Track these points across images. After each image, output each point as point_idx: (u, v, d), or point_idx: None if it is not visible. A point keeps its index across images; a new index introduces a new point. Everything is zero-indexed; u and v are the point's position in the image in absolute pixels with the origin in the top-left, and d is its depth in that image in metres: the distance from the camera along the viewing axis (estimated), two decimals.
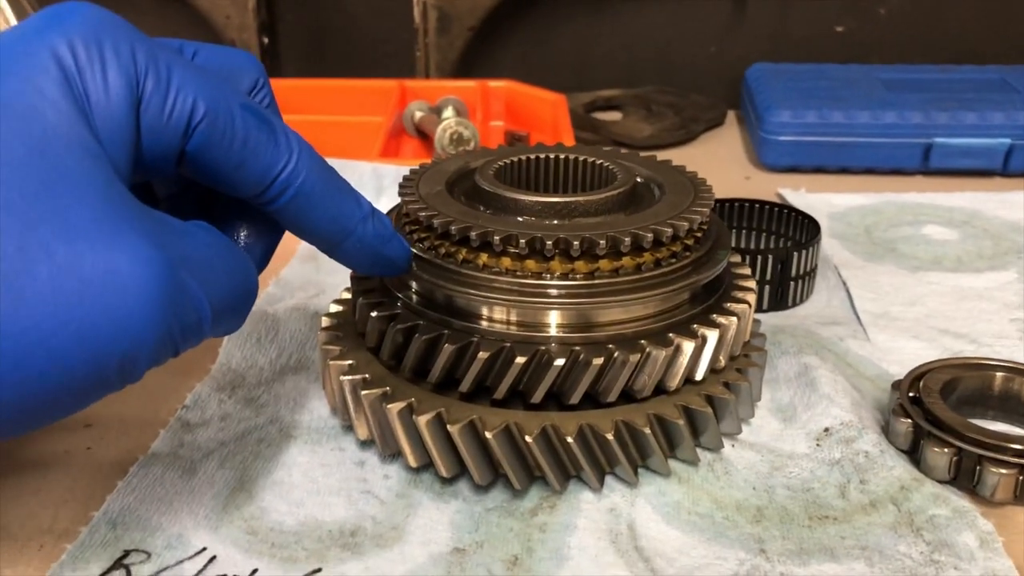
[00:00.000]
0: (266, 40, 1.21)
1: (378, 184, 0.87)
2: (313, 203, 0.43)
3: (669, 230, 0.51)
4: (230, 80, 0.44)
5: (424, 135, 1.04)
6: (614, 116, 1.18)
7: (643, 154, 0.64)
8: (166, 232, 0.36)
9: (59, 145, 0.34)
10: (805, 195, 0.93)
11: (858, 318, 0.70)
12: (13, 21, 0.71)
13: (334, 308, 0.60)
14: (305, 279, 0.75)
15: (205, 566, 0.46)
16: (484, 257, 0.51)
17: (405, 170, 0.60)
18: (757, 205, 0.79)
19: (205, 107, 0.38)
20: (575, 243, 0.49)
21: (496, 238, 0.50)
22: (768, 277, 0.71)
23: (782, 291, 0.71)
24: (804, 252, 0.71)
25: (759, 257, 0.70)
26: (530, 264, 0.50)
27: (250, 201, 0.42)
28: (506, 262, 0.51)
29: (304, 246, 0.80)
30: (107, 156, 0.36)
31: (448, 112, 1.05)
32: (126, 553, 0.47)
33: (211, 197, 0.47)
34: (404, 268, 0.51)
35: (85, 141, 0.35)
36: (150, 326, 0.34)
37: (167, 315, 0.35)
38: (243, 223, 0.47)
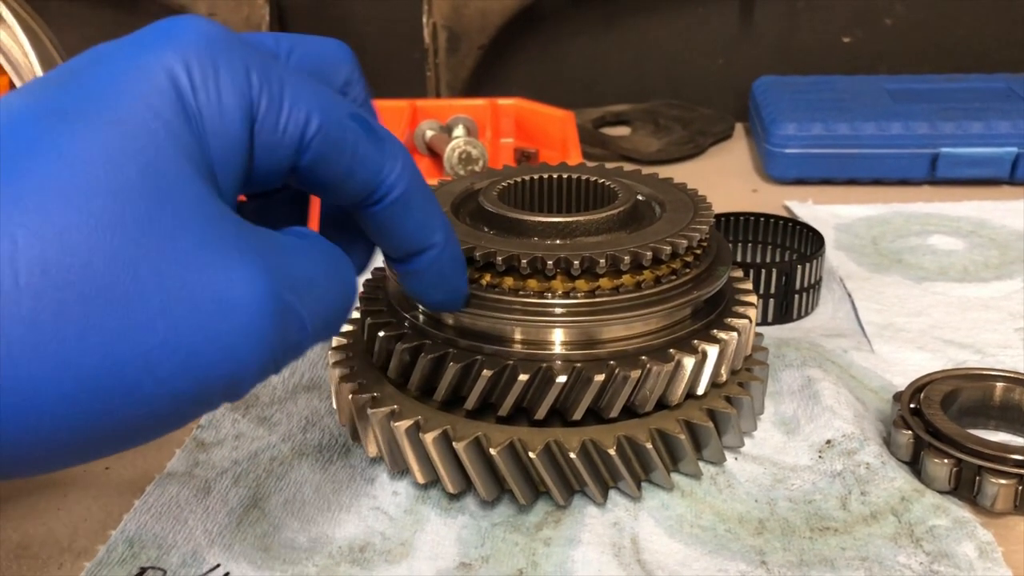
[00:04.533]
0: None
1: None
2: (407, 211, 0.42)
3: (668, 248, 0.52)
4: (326, 76, 0.43)
5: (435, 154, 1.06)
6: (623, 131, 1.19)
7: (648, 170, 0.65)
8: (272, 253, 0.36)
9: (171, 167, 0.33)
10: (812, 207, 0.94)
11: (863, 330, 0.71)
12: (23, 39, 0.72)
13: (344, 328, 0.61)
14: None
15: None
16: (488, 277, 0.52)
17: None
18: (762, 219, 0.79)
19: (319, 122, 0.37)
20: (575, 262, 0.50)
21: (499, 258, 0.51)
22: (772, 290, 0.71)
23: (787, 304, 0.72)
24: (808, 265, 0.72)
25: (763, 270, 0.71)
26: (532, 283, 0.52)
27: (349, 209, 0.42)
28: (509, 282, 0.52)
29: None
30: (217, 176, 0.35)
31: (458, 131, 1.07)
32: (143, 571, 0.48)
33: (301, 195, 0.47)
34: (461, 304, 0.50)
35: (197, 162, 0.34)
36: (255, 351, 0.34)
37: (272, 339, 0.34)
38: (344, 232, 0.46)
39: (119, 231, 0.31)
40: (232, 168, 0.36)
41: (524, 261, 0.51)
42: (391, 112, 1.10)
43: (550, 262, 0.51)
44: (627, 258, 0.51)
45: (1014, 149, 0.97)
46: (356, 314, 0.61)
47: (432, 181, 0.64)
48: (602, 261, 0.51)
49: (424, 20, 1.17)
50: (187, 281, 0.32)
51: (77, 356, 0.30)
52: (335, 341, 0.60)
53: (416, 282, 0.47)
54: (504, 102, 1.13)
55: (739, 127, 1.20)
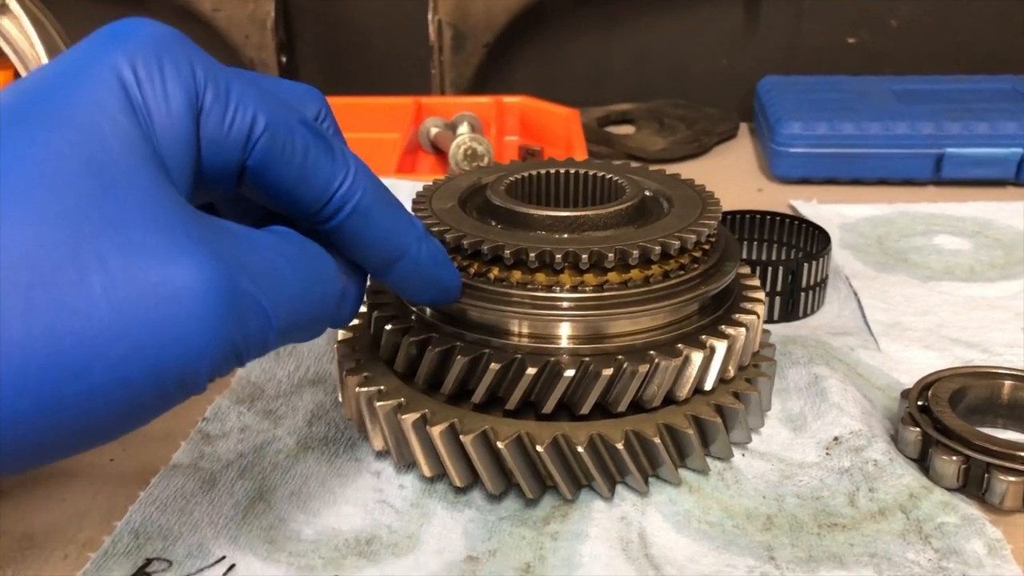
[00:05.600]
0: (284, 59, 1.23)
1: None
2: (369, 221, 0.43)
3: (677, 243, 0.52)
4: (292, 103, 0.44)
5: (440, 151, 1.06)
6: (627, 130, 1.19)
7: (653, 168, 0.65)
8: (225, 239, 0.36)
9: (116, 157, 0.34)
10: (817, 206, 0.94)
11: (869, 328, 0.71)
12: (31, 30, 0.72)
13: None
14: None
15: (225, 574, 0.47)
16: (496, 270, 0.52)
17: (420, 186, 0.62)
18: (768, 217, 0.79)
19: (265, 120, 0.39)
20: (584, 256, 0.50)
21: (507, 252, 0.51)
22: (779, 288, 0.71)
23: (793, 302, 0.72)
24: (814, 263, 0.72)
25: (769, 268, 0.71)
26: (540, 277, 0.52)
27: (308, 222, 0.42)
28: (517, 275, 0.52)
29: None
30: (166, 167, 0.36)
31: (463, 128, 1.07)
32: (148, 561, 0.48)
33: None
34: (455, 296, 0.50)
35: (143, 152, 0.35)
36: (209, 337, 0.34)
37: (227, 326, 0.34)
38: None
39: (61, 222, 0.32)
40: (181, 160, 0.37)
41: (532, 255, 0.51)
42: (396, 109, 1.10)
43: (559, 256, 0.50)
44: (636, 252, 0.51)
45: (1019, 150, 0.97)
46: (363, 308, 0.61)
47: (437, 178, 0.65)
48: (611, 255, 0.50)
49: (429, 17, 1.17)
50: (132, 266, 0.32)
51: (22, 342, 0.31)
52: (341, 334, 0.59)
53: (401, 287, 0.48)
54: (509, 100, 1.13)
55: (744, 127, 1.20)
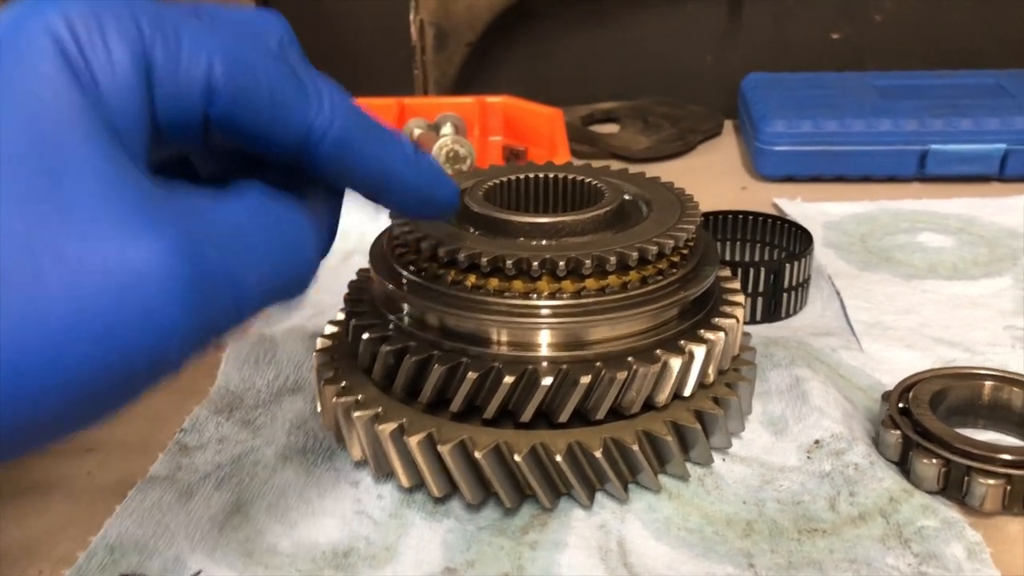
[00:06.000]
0: None
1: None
2: (352, 150, 0.40)
3: (654, 248, 0.52)
4: (254, 39, 0.40)
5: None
6: (612, 128, 1.19)
7: (637, 167, 0.65)
8: (186, 210, 0.34)
9: (62, 132, 0.32)
10: (801, 204, 0.94)
11: (851, 328, 0.71)
12: None
13: (329, 329, 0.61)
14: (303, 300, 0.76)
15: None
16: (472, 278, 0.52)
17: None
18: (750, 217, 0.79)
19: (224, 64, 0.36)
20: (561, 263, 0.50)
21: (483, 259, 0.51)
22: (761, 289, 0.71)
23: (775, 303, 0.72)
24: (796, 263, 0.71)
25: (751, 269, 0.71)
26: (518, 284, 0.51)
27: (291, 160, 0.40)
28: (494, 283, 0.51)
29: None
30: (118, 135, 0.34)
31: (446, 129, 1.06)
32: None
33: (261, 173, 0.44)
34: (456, 206, 0.48)
35: (90, 124, 0.33)
36: (176, 318, 0.32)
37: (193, 303, 0.32)
38: (301, 192, 0.43)
39: (8, 209, 0.30)
40: (134, 124, 0.34)
41: (509, 262, 0.50)
42: (378, 110, 1.09)
43: (535, 263, 0.50)
44: (613, 259, 0.50)
45: (1003, 146, 0.97)
46: (341, 316, 0.60)
47: None
48: (588, 262, 0.50)
49: (411, 17, 1.16)
50: (88, 250, 0.31)
51: None
52: (319, 343, 0.59)
53: (397, 209, 0.46)
54: (492, 100, 1.12)
55: (728, 124, 1.20)
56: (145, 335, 0.32)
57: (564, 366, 0.50)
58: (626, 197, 0.59)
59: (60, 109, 0.32)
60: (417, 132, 1.06)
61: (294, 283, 0.39)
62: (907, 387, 0.57)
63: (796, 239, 0.77)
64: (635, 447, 0.50)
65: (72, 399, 0.31)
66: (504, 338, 0.52)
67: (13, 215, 0.30)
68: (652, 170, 0.64)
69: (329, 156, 0.40)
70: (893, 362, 0.66)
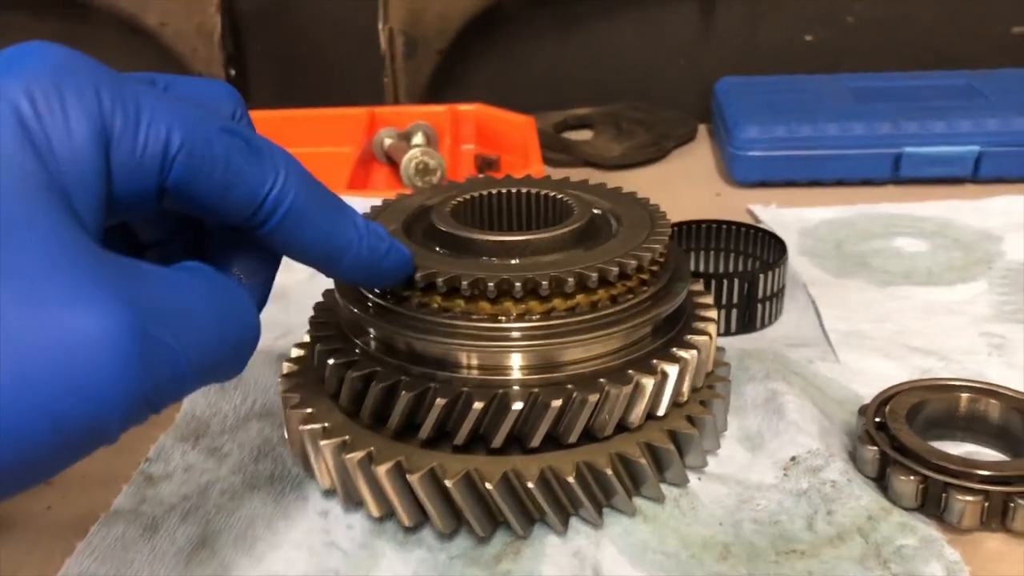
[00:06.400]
0: (233, 72, 1.20)
1: None
2: (306, 221, 0.41)
3: (615, 269, 0.50)
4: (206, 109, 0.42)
5: (394, 162, 1.04)
6: (585, 135, 1.18)
7: (611, 175, 0.64)
8: (134, 282, 0.34)
9: (14, 199, 0.32)
10: (776, 210, 0.93)
11: (827, 338, 0.70)
12: None
13: (295, 353, 0.59)
14: (271, 319, 0.73)
15: None
16: (438, 300, 0.50)
17: (373, 202, 0.60)
18: (723, 226, 0.78)
19: (181, 137, 0.37)
20: (517, 284, 0.49)
21: (439, 280, 0.49)
22: (735, 300, 0.70)
23: (750, 314, 0.71)
24: (770, 273, 0.71)
25: (725, 281, 0.70)
26: (485, 306, 0.50)
27: (241, 228, 0.41)
28: (460, 305, 0.50)
29: None
30: (72, 204, 0.34)
31: (418, 139, 1.05)
32: None
33: (200, 237, 0.46)
34: (407, 274, 0.49)
35: (43, 192, 0.33)
36: (118, 390, 0.32)
37: (137, 376, 0.33)
38: (237, 258, 0.44)
39: None
40: (89, 194, 0.35)
41: (465, 283, 0.49)
42: (348, 120, 1.09)
43: (491, 284, 0.49)
44: (571, 279, 0.49)
45: (976, 147, 0.97)
46: (306, 338, 0.59)
47: (388, 195, 0.63)
48: (544, 283, 0.49)
49: (380, 26, 1.15)
50: (33, 317, 0.31)
51: None
52: (286, 367, 0.58)
53: (346, 277, 0.47)
54: (464, 108, 1.11)
55: (702, 128, 1.19)
56: (86, 404, 0.32)
57: (535, 390, 0.49)
58: (596, 212, 0.58)
59: (13, 178, 0.32)
60: (388, 142, 1.05)
61: (240, 351, 0.39)
62: (884, 400, 0.56)
63: (770, 248, 0.76)
64: (609, 471, 0.49)
65: (5, 465, 0.31)
66: (473, 362, 0.51)
67: None
68: (626, 177, 0.63)
69: (280, 228, 0.40)
70: (869, 372, 0.65)
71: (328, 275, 0.46)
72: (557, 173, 0.66)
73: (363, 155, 1.03)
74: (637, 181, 0.61)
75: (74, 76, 0.35)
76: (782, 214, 0.92)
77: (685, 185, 1.03)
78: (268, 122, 1.08)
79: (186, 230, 0.45)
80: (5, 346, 0.30)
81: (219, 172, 0.38)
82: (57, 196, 0.33)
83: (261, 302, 0.45)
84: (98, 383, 0.32)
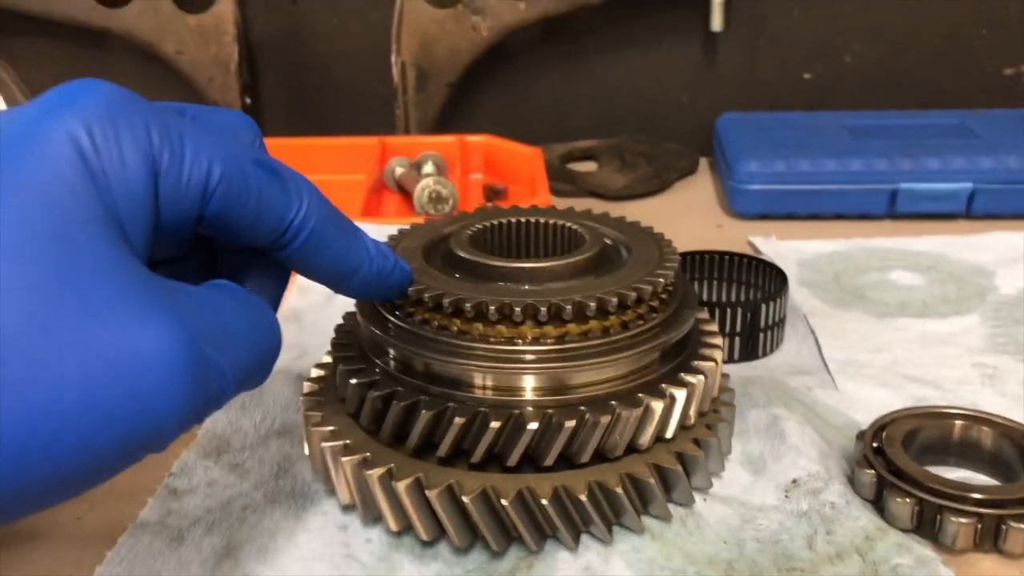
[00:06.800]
0: (248, 100, 1.24)
1: None
2: (323, 245, 0.44)
3: (634, 294, 0.53)
4: (232, 134, 0.45)
5: (405, 191, 1.07)
6: (589, 167, 1.21)
7: (615, 206, 0.67)
8: (186, 305, 0.37)
9: (77, 228, 0.34)
10: (775, 243, 0.96)
11: (826, 367, 0.73)
12: None
13: (316, 372, 0.61)
14: (288, 340, 0.75)
15: None
16: (458, 323, 0.53)
17: (387, 229, 0.62)
18: (726, 257, 0.81)
19: (220, 170, 0.39)
20: (541, 309, 0.51)
21: (467, 305, 0.52)
22: (738, 329, 0.73)
23: (752, 342, 0.74)
24: (772, 303, 0.73)
25: (728, 310, 0.72)
26: (502, 329, 0.52)
27: (263, 249, 0.44)
28: (479, 328, 0.53)
29: (287, 307, 0.82)
30: (127, 232, 0.37)
31: (428, 168, 1.08)
32: None
33: (213, 254, 0.49)
34: (405, 292, 0.53)
35: (103, 221, 0.35)
36: (175, 404, 0.35)
37: (191, 391, 0.35)
38: (250, 273, 0.48)
39: (30, 295, 0.32)
40: (140, 223, 0.37)
41: (492, 307, 0.52)
42: (361, 149, 1.11)
43: (517, 308, 0.51)
44: (592, 304, 0.52)
45: (969, 184, 1.00)
46: (328, 358, 0.61)
47: (406, 222, 0.65)
48: (568, 308, 0.52)
49: (393, 59, 1.18)
50: (103, 339, 0.33)
51: None
52: (306, 387, 0.60)
53: (351, 294, 0.50)
54: (473, 139, 1.14)
55: (703, 162, 1.22)
56: (146, 419, 0.34)
57: (549, 411, 0.52)
58: (607, 242, 0.61)
59: (76, 206, 0.35)
60: (399, 171, 1.08)
61: (268, 362, 0.43)
62: (881, 426, 0.59)
63: (771, 279, 0.79)
64: (619, 490, 0.51)
65: (64, 474, 0.33)
66: (489, 383, 0.53)
67: (34, 301, 0.32)
68: (629, 208, 0.66)
69: (300, 251, 0.44)
70: (867, 400, 0.67)
71: (337, 291, 0.49)
72: (562, 203, 0.69)
73: (375, 183, 1.06)
74: (640, 212, 0.63)
75: (126, 112, 0.38)
76: (782, 246, 0.95)
77: (687, 216, 1.06)
78: (282, 150, 1.11)
79: (200, 248, 0.48)
80: (80, 365, 0.32)
81: (252, 202, 0.41)
82: (114, 225, 0.36)
83: (274, 310, 0.48)
84: (158, 398, 0.34)
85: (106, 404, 0.33)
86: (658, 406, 0.53)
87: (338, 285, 0.48)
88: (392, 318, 0.55)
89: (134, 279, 0.35)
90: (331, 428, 0.55)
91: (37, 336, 0.32)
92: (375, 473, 0.51)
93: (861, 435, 0.59)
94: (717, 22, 1.21)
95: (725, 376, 0.63)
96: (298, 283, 0.83)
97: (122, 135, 0.37)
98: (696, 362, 0.57)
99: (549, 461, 0.52)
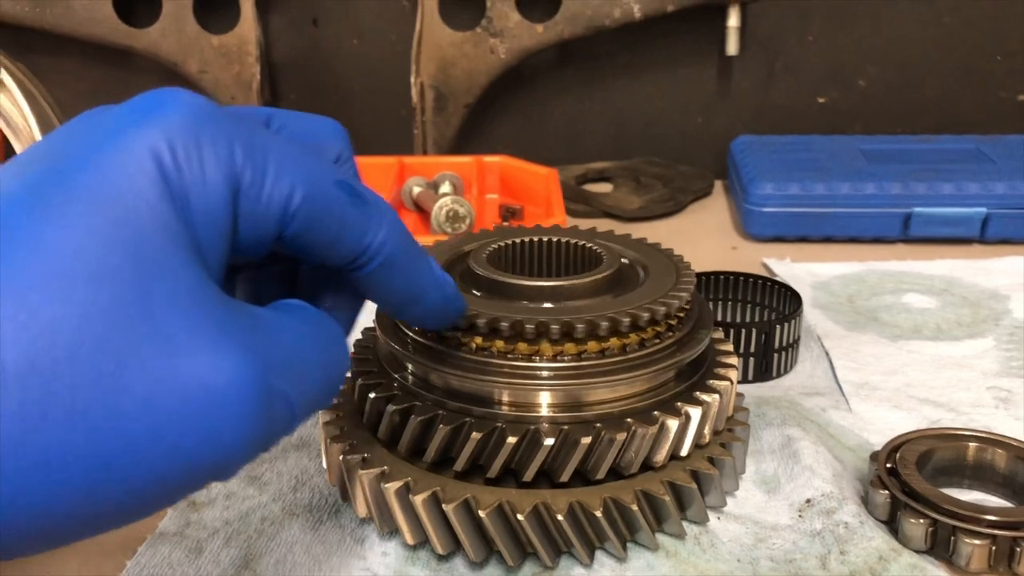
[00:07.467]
0: None
1: None
2: (396, 270, 0.43)
3: (648, 314, 0.54)
4: (316, 150, 0.43)
5: (422, 210, 1.08)
6: (605, 188, 1.22)
7: (630, 226, 0.68)
8: (260, 335, 0.35)
9: (156, 250, 0.33)
10: (790, 265, 0.96)
11: (840, 388, 0.73)
12: (24, 104, 0.74)
13: None
14: None
15: None
16: (477, 340, 0.54)
17: None
18: (742, 278, 0.82)
19: (303, 192, 0.37)
20: (554, 327, 0.52)
21: (482, 321, 0.53)
22: (752, 349, 0.73)
23: (766, 363, 0.74)
24: (787, 324, 0.74)
25: (743, 330, 0.73)
26: (521, 346, 0.53)
27: (337, 269, 0.42)
28: (498, 345, 0.53)
29: None
30: (203, 253, 0.35)
31: (445, 187, 1.09)
32: None
33: (292, 268, 0.47)
34: (457, 322, 0.52)
35: (181, 242, 0.34)
36: (242, 437, 0.33)
37: (259, 424, 0.34)
38: (328, 290, 0.46)
39: (104, 320, 0.31)
40: (217, 244, 0.36)
41: (506, 324, 0.52)
42: (379, 168, 1.13)
43: (531, 326, 0.52)
44: (605, 323, 0.53)
45: (983, 209, 1.00)
46: (347, 373, 0.62)
47: (424, 241, 0.66)
48: (581, 326, 0.52)
49: (412, 80, 1.20)
50: (173, 369, 0.32)
51: (64, 448, 0.30)
52: None
53: (412, 320, 0.49)
54: (489, 159, 1.16)
55: (718, 184, 1.23)
56: (215, 451, 0.33)
57: (565, 427, 0.52)
58: (624, 261, 0.62)
59: (155, 227, 0.33)
60: (416, 190, 1.09)
61: (336, 387, 0.41)
62: (894, 448, 0.59)
63: (786, 300, 0.79)
64: (634, 507, 0.52)
65: (128, 502, 0.32)
66: (506, 399, 0.54)
67: (108, 326, 0.31)
68: (644, 229, 0.67)
69: (374, 274, 0.42)
70: (881, 422, 0.68)
71: (400, 317, 0.48)
72: (578, 224, 0.70)
73: (393, 202, 1.07)
74: (655, 233, 0.64)
75: (210, 127, 0.35)
76: (796, 268, 0.95)
77: (702, 238, 1.06)
78: None
79: (282, 259, 0.46)
80: (150, 395, 0.31)
81: (333, 225, 0.39)
82: (191, 246, 0.34)
83: (348, 331, 0.47)
84: (226, 432, 0.33)
85: (173, 435, 0.32)
86: (673, 424, 0.53)
87: (404, 311, 0.47)
88: (411, 333, 0.56)
89: (208, 307, 0.34)
90: (349, 442, 0.56)
91: (109, 362, 0.31)
92: (392, 487, 0.52)
93: (875, 456, 0.59)
94: (732, 46, 1.22)
95: (740, 396, 0.63)
96: None
97: (205, 152, 0.35)
98: (711, 381, 0.57)
99: (565, 477, 0.52)
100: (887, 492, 0.56)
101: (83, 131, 0.35)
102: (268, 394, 0.34)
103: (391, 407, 0.54)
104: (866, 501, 0.58)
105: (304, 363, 0.37)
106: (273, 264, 0.47)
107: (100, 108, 0.37)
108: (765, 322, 0.76)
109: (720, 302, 0.82)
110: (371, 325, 0.61)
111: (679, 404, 0.55)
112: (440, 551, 0.52)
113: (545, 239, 0.64)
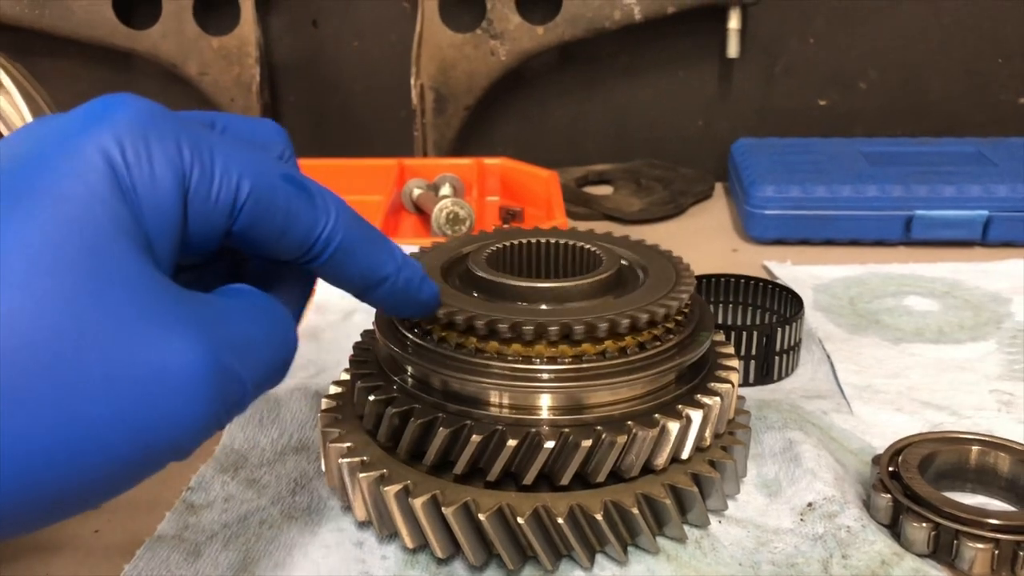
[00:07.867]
0: None
1: None
2: (351, 257, 0.44)
3: (646, 316, 0.53)
4: (262, 148, 0.45)
5: (423, 212, 1.08)
6: (605, 190, 1.22)
7: (630, 229, 0.67)
8: (210, 318, 0.37)
9: (109, 244, 0.35)
10: (791, 267, 0.96)
11: (842, 391, 0.73)
12: (23, 106, 0.74)
13: (334, 390, 0.62)
14: (305, 359, 0.77)
15: None
16: (475, 342, 0.53)
17: (405, 249, 0.63)
18: (742, 281, 0.81)
19: (250, 185, 0.39)
20: (552, 328, 0.52)
21: (479, 323, 0.52)
22: (754, 352, 0.73)
23: (767, 366, 0.74)
24: (788, 327, 0.74)
25: (744, 333, 0.73)
26: (519, 348, 0.53)
27: (290, 262, 0.44)
28: (495, 347, 0.53)
29: (305, 325, 0.83)
30: (154, 246, 0.37)
31: (445, 189, 1.09)
32: None
33: (238, 262, 0.49)
34: (433, 310, 0.53)
35: (132, 235, 0.36)
36: (197, 415, 0.36)
37: (213, 402, 0.36)
38: (276, 279, 0.47)
39: (60, 309, 0.33)
40: (168, 238, 0.38)
41: (504, 326, 0.52)
42: (379, 170, 1.13)
43: (528, 327, 0.52)
44: (604, 325, 0.52)
45: (985, 212, 1.00)
46: (346, 375, 0.62)
47: (423, 242, 0.66)
48: (580, 328, 0.52)
49: (412, 82, 1.19)
50: (129, 353, 0.34)
51: (25, 432, 0.32)
52: (324, 403, 0.60)
53: (378, 305, 0.50)
54: (490, 161, 1.15)
55: (719, 187, 1.23)
56: (171, 430, 0.35)
57: (565, 430, 0.52)
58: (623, 263, 0.62)
59: (108, 222, 0.35)
60: (417, 192, 1.09)
61: (284, 367, 0.43)
62: (896, 451, 0.59)
63: (787, 303, 0.79)
64: (634, 510, 0.51)
65: (87, 483, 0.34)
66: (506, 401, 0.53)
67: (66, 314, 0.33)
68: (645, 231, 0.66)
69: (328, 263, 0.44)
70: (883, 425, 0.67)
71: (362, 300, 0.48)
72: (578, 226, 0.70)
73: (393, 204, 1.07)
74: (656, 235, 0.64)
75: (158, 127, 0.38)
76: (797, 271, 0.95)
77: (703, 240, 1.06)
78: (302, 170, 1.13)
79: (226, 255, 0.48)
80: (107, 378, 0.33)
81: (280, 218, 0.41)
82: (142, 240, 0.36)
83: (298, 316, 0.48)
84: (181, 410, 0.35)
85: (131, 416, 0.34)
86: (674, 427, 0.53)
87: (363, 294, 0.48)
88: (410, 336, 0.56)
89: (160, 294, 0.36)
90: (348, 444, 0.56)
91: (67, 348, 0.33)
92: (392, 490, 0.52)
93: (877, 459, 0.59)
94: (733, 49, 1.21)
95: (741, 399, 0.63)
96: (316, 302, 0.84)
97: (153, 150, 0.37)
98: (712, 384, 0.57)
99: (565, 480, 0.52)
100: (889, 496, 0.55)
101: (36, 136, 0.37)
102: (220, 373, 0.36)
103: (391, 410, 0.54)
104: (868, 505, 0.57)
105: (254, 343, 0.39)
106: (219, 261, 0.48)
107: (50, 115, 0.39)
108: (766, 325, 0.76)
109: (721, 305, 0.82)
110: (370, 328, 0.61)
111: (680, 407, 0.54)
112: (440, 554, 0.52)
113: (544, 241, 0.64)
